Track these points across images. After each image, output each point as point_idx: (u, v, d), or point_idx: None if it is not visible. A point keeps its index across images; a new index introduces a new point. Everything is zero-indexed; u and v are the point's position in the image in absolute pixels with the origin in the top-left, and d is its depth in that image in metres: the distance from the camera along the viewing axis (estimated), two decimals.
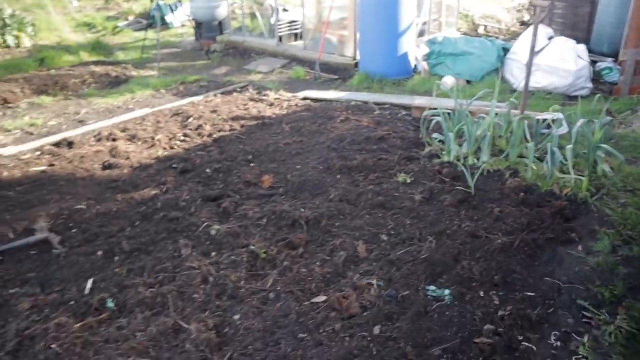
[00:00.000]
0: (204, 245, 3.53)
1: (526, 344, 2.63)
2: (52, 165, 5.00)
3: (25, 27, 10.07)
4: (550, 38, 7.41)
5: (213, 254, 3.43)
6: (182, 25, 12.46)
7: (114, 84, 8.25)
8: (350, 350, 2.50)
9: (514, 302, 2.87)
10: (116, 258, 3.47)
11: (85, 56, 9.71)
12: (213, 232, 3.63)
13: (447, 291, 2.92)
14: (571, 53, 7.09)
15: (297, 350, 2.54)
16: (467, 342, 2.59)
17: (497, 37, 9.70)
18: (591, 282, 3.08)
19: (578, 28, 8.80)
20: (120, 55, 9.94)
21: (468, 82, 7.63)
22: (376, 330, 2.66)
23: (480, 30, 11.05)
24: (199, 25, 10.34)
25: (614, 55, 7.76)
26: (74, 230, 3.82)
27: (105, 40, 10.94)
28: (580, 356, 2.58)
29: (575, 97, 6.69)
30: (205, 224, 3.73)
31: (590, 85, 7.15)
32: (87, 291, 3.16)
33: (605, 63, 7.90)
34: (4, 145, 5.68)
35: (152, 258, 3.41)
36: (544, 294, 2.99)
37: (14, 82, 7.87)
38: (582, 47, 7.26)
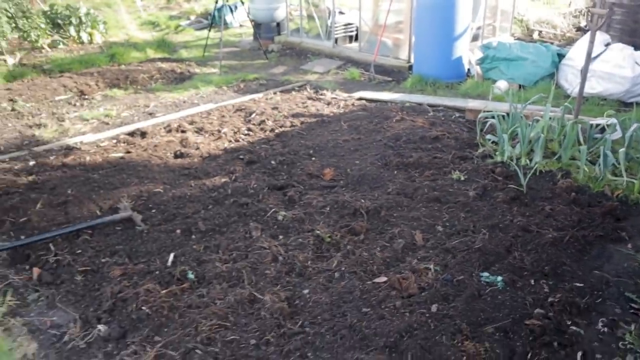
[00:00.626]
0: (272, 229, 3.87)
1: (574, 328, 2.83)
2: (128, 152, 5.45)
3: (97, 25, 10.73)
4: (607, 44, 7.42)
5: (281, 237, 3.77)
6: (241, 26, 12.97)
7: (179, 80, 8.75)
8: (410, 324, 2.77)
9: (564, 291, 3.07)
10: (193, 236, 3.84)
11: (151, 53, 10.27)
12: (280, 217, 3.97)
13: (499, 278, 3.15)
14: (628, 60, 7.09)
15: (362, 321, 2.83)
16: (518, 323, 2.81)
17: (552, 43, 9.71)
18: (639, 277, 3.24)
19: (637, 34, 8.72)
20: (184, 53, 10.46)
21: (521, 87, 7.72)
22: (434, 308, 2.92)
23: (535, 35, 11.05)
24: (258, 26, 10.77)
25: None
26: (153, 211, 4.22)
27: (169, 38, 11.51)
28: (626, 342, 2.76)
29: (631, 104, 6.71)
30: (273, 210, 4.07)
31: None
32: (169, 264, 3.54)
33: None
34: (83, 134, 6.19)
35: (226, 238, 3.77)
36: (592, 285, 3.18)
37: (89, 75, 8.48)
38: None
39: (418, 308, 2.91)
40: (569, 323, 2.86)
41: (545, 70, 7.79)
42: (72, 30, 10.29)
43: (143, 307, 3.09)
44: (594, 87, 7.18)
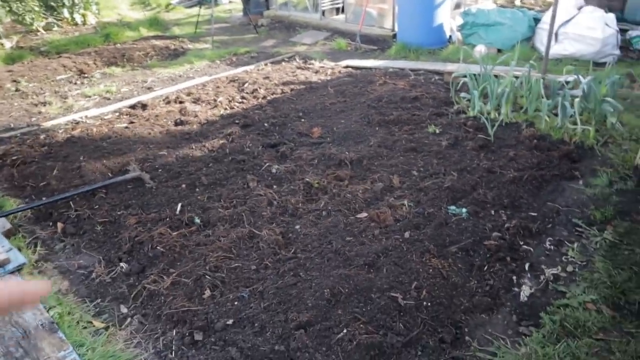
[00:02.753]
0: (267, 180, 4.34)
1: (526, 247, 3.34)
2: (132, 122, 5.89)
3: (90, 6, 11.04)
4: (580, 8, 7.83)
5: (275, 186, 4.25)
6: (230, 2, 13.29)
7: (173, 56, 9.13)
8: (386, 247, 3.27)
9: (519, 219, 3.57)
10: (197, 189, 4.31)
11: (144, 32, 10.61)
12: (274, 170, 4.45)
13: (464, 209, 3.64)
14: (599, 21, 7.49)
15: (345, 247, 3.33)
16: (478, 244, 3.31)
17: (532, 9, 10.07)
18: (586, 207, 3.75)
19: None
20: (176, 31, 10.80)
21: (499, 51, 8.15)
22: (406, 234, 3.42)
23: (517, 2, 11.39)
24: (247, 2, 11.09)
25: None
26: (160, 170, 4.68)
27: (161, 16, 11.83)
28: (568, 256, 3.27)
29: (602, 64, 7.14)
30: (267, 164, 4.54)
31: (617, 52, 7.53)
32: (177, 212, 4.01)
33: (636, 31, 8.24)
34: (87, 109, 6.60)
35: (227, 189, 4.24)
36: (544, 214, 3.68)
37: (87, 55, 8.85)
38: (610, 16, 7.63)
39: (393, 235, 3.41)
40: (521, 243, 3.37)
41: (522, 35, 8.18)
42: (65, 12, 10.61)
43: (158, 247, 3.57)
44: (566, 48, 7.60)
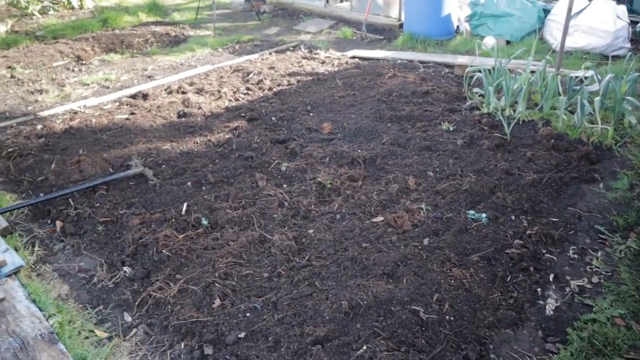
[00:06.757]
0: (277, 179, 4.18)
1: (549, 255, 3.21)
2: (133, 114, 5.69)
3: None
4: None
5: (285, 185, 4.09)
6: None
7: (174, 43, 8.89)
8: (405, 255, 3.13)
9: (540, 225, 3.43)
10: (204, 188, 4.15)
11: (143, 17, 10.34)
12: (283, 168, 4.28)
13: (484, 215, 3.50)
14: (611, 14, 7.32)
15: (362, 254, 3.18)
16: (499, 252, 3.18)
17: None
18: (608, 212, 3.61)
19: None
20: (177, 16, 10.54)
21: (508, 42, 7.97)
22: (425, 241, 3.28)
23: None
24: None
25: None
26: (163, 166, 4.51)
27: (160, 1, 11.53)
28: (593, 266, 3.15)
29: (613, 57, 6.97)
30: (276, 161, 4.38)
31: (628, 45, 7.37)
32: (183, 212, 3.85)
33: None
34: (85, 98, 6.39)
35: (235, 188, 4.08)
36: (566, 220, 3.54)
37: (85, 41, 8.60)
38: (622, 8, 7.46)
39: (412, 242, 3.27)
40: (544, 251, 3.24)
41: (531, 26, 8.01)
42: None
43: (163, 250, 3.41)
44: (577, 41, 7.42)
